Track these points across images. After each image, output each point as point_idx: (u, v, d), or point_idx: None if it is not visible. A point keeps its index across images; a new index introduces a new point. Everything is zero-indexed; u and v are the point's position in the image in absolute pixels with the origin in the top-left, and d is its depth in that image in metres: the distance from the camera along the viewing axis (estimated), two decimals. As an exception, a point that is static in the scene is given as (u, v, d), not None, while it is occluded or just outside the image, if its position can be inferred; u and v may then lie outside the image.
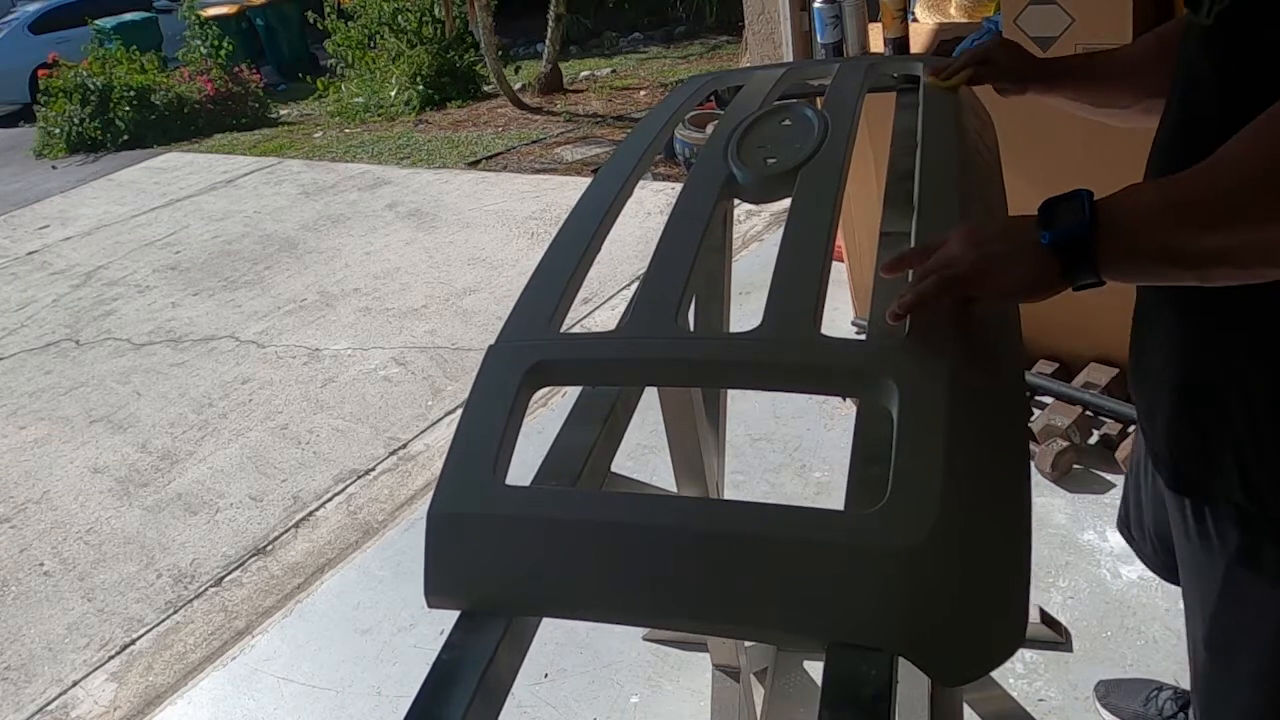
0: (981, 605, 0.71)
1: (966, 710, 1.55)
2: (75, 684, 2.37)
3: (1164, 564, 1.21)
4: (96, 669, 2.40)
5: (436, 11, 8.10)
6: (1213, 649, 1.04)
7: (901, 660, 0.69)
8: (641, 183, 1.17)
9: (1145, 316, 1.03)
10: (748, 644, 1.81)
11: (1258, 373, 0.89)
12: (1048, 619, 1.87)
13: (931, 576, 0.69)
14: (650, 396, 1.30)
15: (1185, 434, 0.98)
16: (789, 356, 0.86)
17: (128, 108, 8.65)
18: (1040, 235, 0.77)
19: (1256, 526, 0.93)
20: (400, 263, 4.70)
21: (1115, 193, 0.78)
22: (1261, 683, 0.99)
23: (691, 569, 0.75)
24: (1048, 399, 2.44)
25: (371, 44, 8.76)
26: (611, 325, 1.02)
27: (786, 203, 1.06)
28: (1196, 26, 0.88)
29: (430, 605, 0.82)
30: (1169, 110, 0.96)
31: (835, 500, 0.99)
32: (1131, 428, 2.30)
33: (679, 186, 1.17)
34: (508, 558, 0.81)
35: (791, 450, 2.61)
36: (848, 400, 2.58)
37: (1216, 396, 0.93)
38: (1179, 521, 1.03)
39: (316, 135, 7.97)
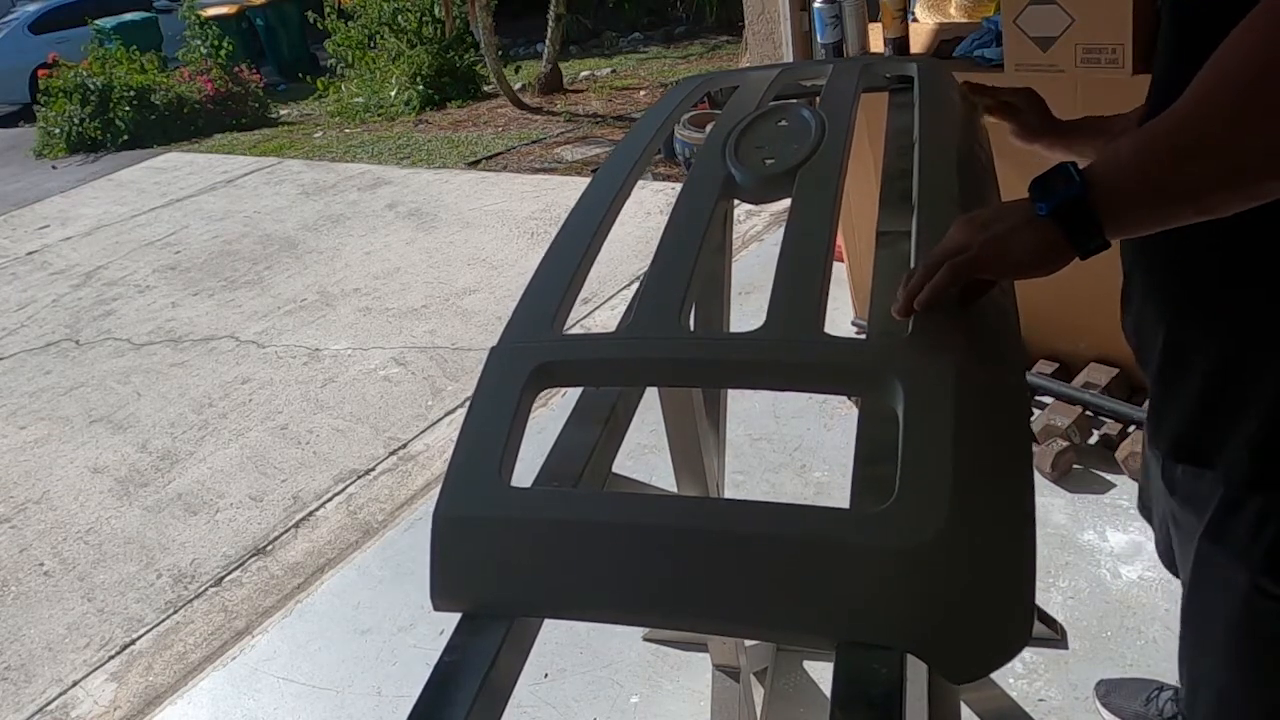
0: (989, 602, 0.71)
1: (965, 711, 1.55)
2: (75, 684, 2.37)
3: (1166, 554, 1.23)
4: (96, 669, 2.40)
5: (436, 11, 8.10)
6: (1188, 624, 1.07)
7: None
8: (641, 183, 1.18)
9: (1131, 288, 1.05)
10: (748, 644, 1.81)
11: (1224, 338, 0.92)
12: (1043, 616, 1.88)
13: (940, 574, 0.70)
14: (650, 397, 1.30)
15: (1166, 396, 1.01)
16: (793, 356, 0.86)
17: (128, 108, 8.66)
18: (1037, 208, 0.79)
19: (1225, 496, 0.96)
20: (400, 263, 4.70)
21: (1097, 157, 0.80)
22: (1230, 660, 1.01)
23: (698, 569, 0.75)
24: (1048, 399, 2.44)
25: (371, 44, 8.76)
26: (612, 325, 1.02)
27: (786, 203, 1.06)
28: (1166, 15, 0.91)
29: (436, 608, 0.82)
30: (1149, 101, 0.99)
31: (835, 499, 1.00)
32: (1131, 427, 2.30)
33: (679, 186, 1.17)
34: (514, 560, 0.81)
35: (791, 450, 2.61)
36: (851, 400, 2.59)
37: (1188, 360, 0.96)
38: (1170, 498, 1.05)
39: (316, 135, 7.97)
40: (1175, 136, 0.74)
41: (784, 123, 1.20)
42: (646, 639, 2.05)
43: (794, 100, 1.34)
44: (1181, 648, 1.10)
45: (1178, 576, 1.15)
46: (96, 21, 10.31)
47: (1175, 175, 0.74)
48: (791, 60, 2.99)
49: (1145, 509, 1.32)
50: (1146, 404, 2.19)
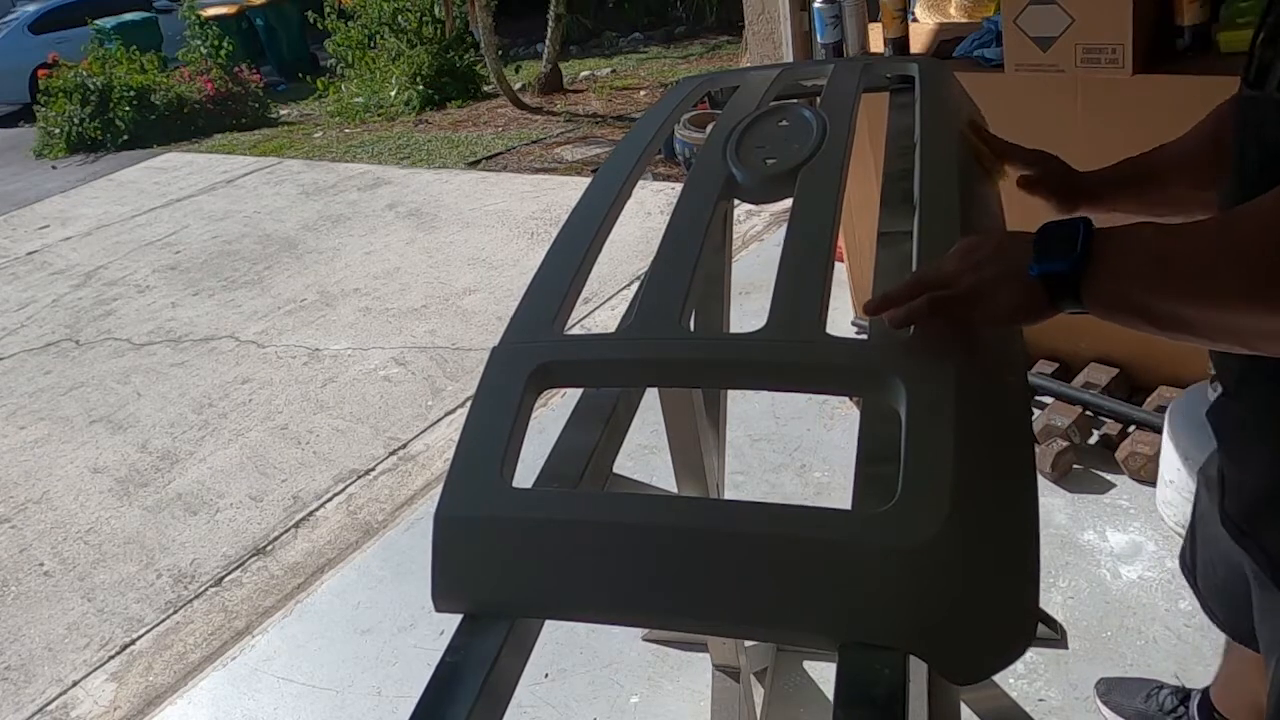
0: (993, 603, 0.71)
1: (965, 711, 1.55)
2: (75, 684, 2.37)
3: (1229, 623, 1.19)
4: (96, 669, 2.40)
5: (436, 11, 8.11)
6: None
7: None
8: (641, 183, 1.18)
9: (1239, 387, 0.98)
10: (748, 644, 1.81)
11: None
12: (1043, 616, 1.87)
13: (943, 575, 0.70)
14: (650, 397, 1.30)
15: (1234, 471, 0.97)
16: (796, 356, 0.86)
17: (128, 108, 8.66)
18: (1030, 267, 0.77)
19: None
20: (400, 263, 4.70)
21: (1117, 229, 0.76)
22: None
23: (699, 570, 0.75)
24: (1048, 399, 2.44)
25: (371, 44, 8.77)
26: (612, 326, 1.02)
27: (786, 203, 1.06)
28: (1267, 100, 0.84)
29: (437, 609, 0.82)
30: (1235, 182, 0.91)
31: (836, 499, 1.00)
32: (1132, 427, 2.30)
33: (679, 186, 1.17)
34: (515, 560, 0.81)
35: (791, 450, 2.61)
36: (851, 400, 2.59)
37: (1266, 445, 0.92)
38: (1258, 582, 1.01)
39: (316, 135, 7.97)
40: (1175, 278, 0.72)
41: (785, 123, 1.20)
42: (646, 639, 2.05)
43: (795, 100, 1.34)
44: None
45: (1252, 647, 1.10)
46: (96, 21, 10.31)
47: (1163, 307, 0.73)
48: (791, 60, 2.99)
49: (1187, 569, 1.27)
50: (1147, 404, 2.11)
